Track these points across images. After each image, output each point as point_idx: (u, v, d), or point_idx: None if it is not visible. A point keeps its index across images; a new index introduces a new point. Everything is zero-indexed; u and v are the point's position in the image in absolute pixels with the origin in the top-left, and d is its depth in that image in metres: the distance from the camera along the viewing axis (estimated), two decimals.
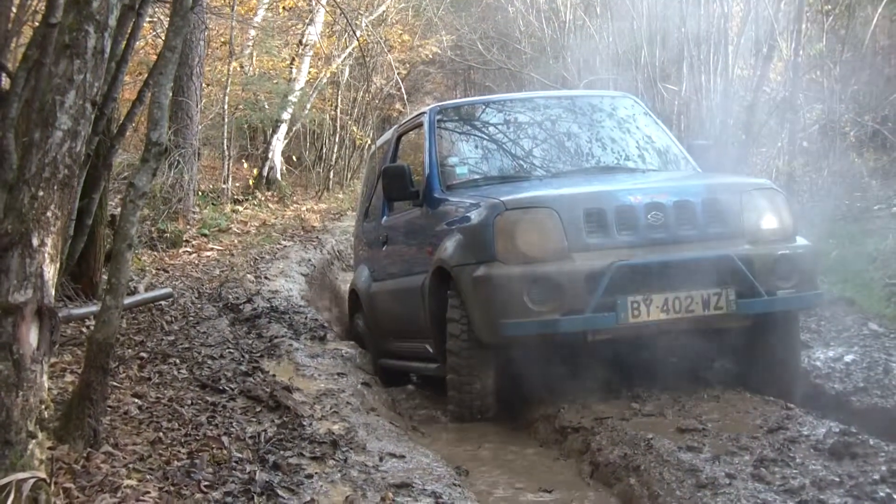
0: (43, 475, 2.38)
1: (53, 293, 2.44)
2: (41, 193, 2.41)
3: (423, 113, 7.43)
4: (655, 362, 5.74)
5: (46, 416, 2.44)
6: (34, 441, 2.37)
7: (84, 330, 5.77)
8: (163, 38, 4.62)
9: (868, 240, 9.59)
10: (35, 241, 2.38)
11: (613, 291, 5.36)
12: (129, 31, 5.87)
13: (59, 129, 2.46)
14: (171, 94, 4.38)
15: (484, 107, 7.60)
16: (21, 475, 2.32)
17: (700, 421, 4.95)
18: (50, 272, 2.41)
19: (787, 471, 4.06)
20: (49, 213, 2.42)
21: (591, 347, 5.50)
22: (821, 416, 5.10)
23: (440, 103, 8.10)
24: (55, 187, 2.43)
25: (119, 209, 4.54)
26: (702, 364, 6.20)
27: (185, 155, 12.70)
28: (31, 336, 2.38)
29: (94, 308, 5.18)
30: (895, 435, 4.85)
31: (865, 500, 3.60)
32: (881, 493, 3.67)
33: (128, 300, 6.32)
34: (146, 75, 6.36)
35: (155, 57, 5.09)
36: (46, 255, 2.41)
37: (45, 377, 2.45)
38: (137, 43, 8.60)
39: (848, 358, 6.44)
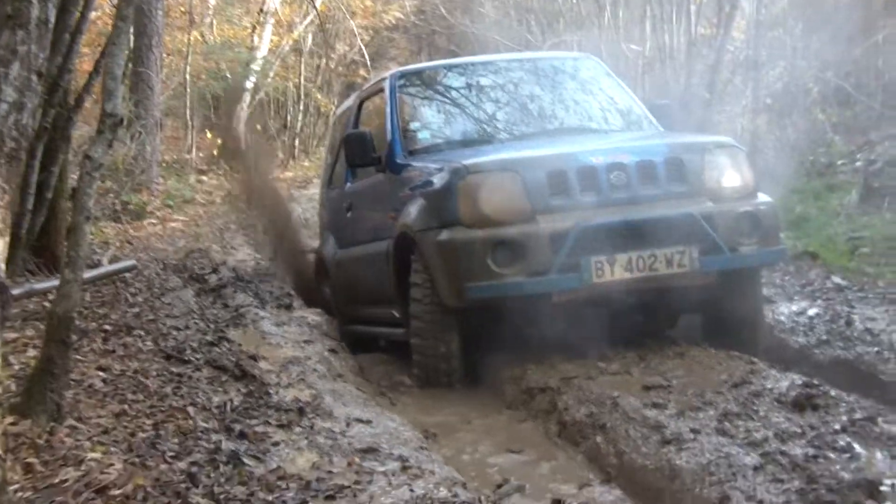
0: None
1: (4, 268, 2.41)
2: None
3: (384, 78, 7.39)
4: (621, 321, 5.77)
5: (1, 391, 2.42)
6: None
7: (47, 304, 5.71)
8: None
9: (832, 195, 9.68)
10: None
11: (577, 252, 5.38)
12: (82, 0, 5.80)
13: (4, 101, 2.43)
14: (126, 65, 4.34)
15: (445, 71, 7.57)
16: None
17: (665, 378, 4.97)
18: (0, 246, 2.39)
19: (751, 424, 4.09)
20: None
21: (557, 308, 5.51)
22: (784, 369, 5.15)
23: (401, 68, 8.05)
24: (1, 161, 2.40)
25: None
26: (667, 322, 6.25)
27: (147, 126, 12.57)
28: None
29: (55, 282, 5.14)
30: (856, 386, 4.92)
31: (826, 450, 3.64)
32: (841, 443, 3.70)
33: (91, 273, 6.28)
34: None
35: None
36: None
37: None
38: (94, 13, 8.49)
39: (811, 311, 6.52)
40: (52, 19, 2.66)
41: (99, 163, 3.97)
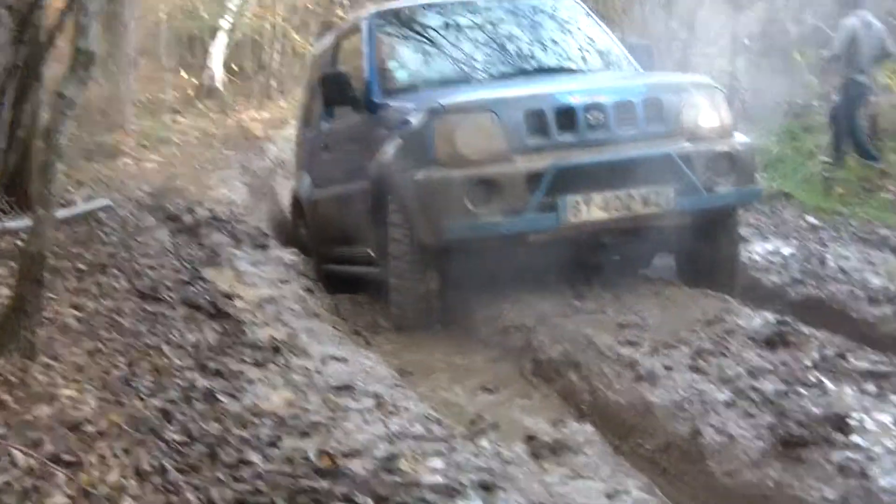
0: None
1: None
2: None
3: (362, 18, 7.32)
4: (597, 260, 5.79)
5: None
6: None
7: (19, 243, 5.67)
8: None
9: (808, 136, 9.71)
10: None
11: (554, 192, 5.38)
12: None
13: None
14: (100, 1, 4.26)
15: (424, 11, 7.47)
16: None
17: (639, 316, 5.00)
18: None
19: (724, 361, 4.13)
20: None
21: (533, 248, 5.52)
22: (758, 307, 5.19)
23: (379, 8, 7.96)
24: None
25: None
26: (642, 261, 6.27)
27: (121, 65, 12.43)
28: None
29: (28, 221, 5.10)
30: (828, 323, 4.98)
31: (797, 385, 3.69)
32: (812, 378, 3.76)
33: (65, 212, 6.23)
34: None
35: None
36: None
37: None
38: None
39: (785, 251, 6.57)
40: None
41: (72, 101, 3.91)
